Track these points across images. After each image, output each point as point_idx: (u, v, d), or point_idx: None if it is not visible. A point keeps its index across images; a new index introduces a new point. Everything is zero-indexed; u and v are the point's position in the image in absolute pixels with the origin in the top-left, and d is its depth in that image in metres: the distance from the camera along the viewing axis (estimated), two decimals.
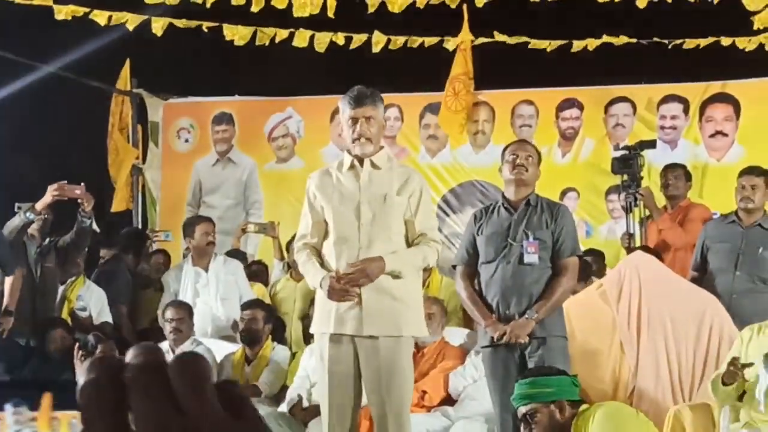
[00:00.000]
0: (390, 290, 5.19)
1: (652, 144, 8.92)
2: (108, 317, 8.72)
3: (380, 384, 5.14)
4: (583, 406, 5.01)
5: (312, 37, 10.02)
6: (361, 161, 5.36)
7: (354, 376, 5.22)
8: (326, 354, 5.25)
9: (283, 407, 7.28)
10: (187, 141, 11.90)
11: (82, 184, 8.10)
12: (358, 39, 10.09)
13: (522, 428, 5.04)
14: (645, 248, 7.91)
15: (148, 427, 0.82)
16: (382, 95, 5.56)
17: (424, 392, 7.07)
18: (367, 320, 5.15)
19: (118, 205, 11.53)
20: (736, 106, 10.36)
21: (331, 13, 9.29)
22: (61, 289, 8.75)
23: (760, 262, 7.13)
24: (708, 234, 7.49)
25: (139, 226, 11.54)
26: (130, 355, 0.85)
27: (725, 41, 9.85)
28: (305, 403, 7.18)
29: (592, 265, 8.35)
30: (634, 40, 10.07)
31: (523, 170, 5.99)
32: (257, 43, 9.91)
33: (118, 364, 0.85)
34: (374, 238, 5.20)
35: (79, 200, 8.10)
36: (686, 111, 10.48)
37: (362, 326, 5.16)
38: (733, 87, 10.38)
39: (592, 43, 10.13)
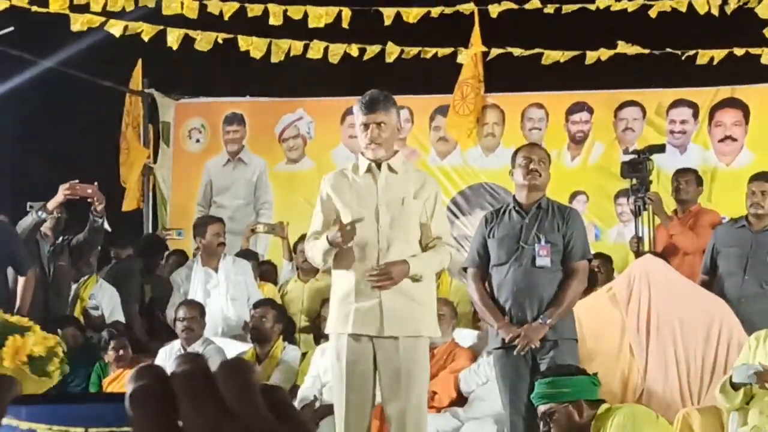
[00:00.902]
0: (408, 292, 5.24)
1: (661, 148, 8.95)
2: (120, 316, 8.76)
3: (400, 384, 5.19)
4: (603, 407, 5.01)
5: (326, 49, 10.08)
6: (378, 165, 5.40)
7: (372, 375, 5.27)
8: (344, 354, 5.28)
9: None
10: (198, 141, 11.95)
11: (95, 183, 8.16)
12: (372, 50, 10.14)
13: (541, 427, 5.05)
14: (654, 252, 7.95)
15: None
16: (394, 97, 5.57)
17: (434, 393, 7.10)
18: (388, 321, 5.20)
19: (129, 204, 11.56)
20: (746, 110, 10.39)
21: (345, 24, 9.37)
22: (74, 287, 8.79)
23: None
24: (718, 238, 7.52)
25: (150, 226, 11.61)
26: (174, 365, 0.88)
27: (738, 52, 9.86)
28: (317, 404, 7.22)
29: (600, 272, 8.38)
30: (647, 51, 10.09)
31: (537, 175, 6.02)
32: (272, 59, 9.98)
33: (164, 372, 0.87)
34: (393, 241, 5.25)
35: (90, 200, 8.15)
36: (696, 115, 10.51)
37: (383, 327, 5.20)
38: (743, 92, 10.41)
39: (605, 54, 10.15)
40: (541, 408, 5.04)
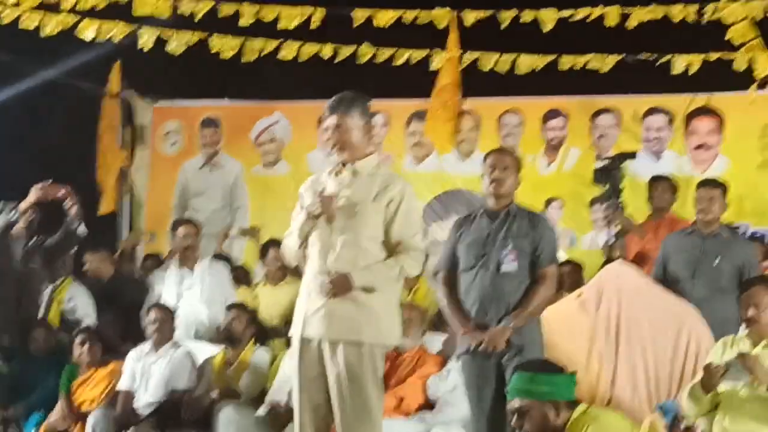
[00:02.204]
0: (356, 297, 5.18)
1: (632, 155, 8.97)
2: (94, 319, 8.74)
3: (342, 388, 5.15)
4: (579, 409, 4.89)
5: (299, 49, 10.05)
6: (345, 166, 5.39)
7: (323, 379, 5.23)
8: (296, 356, 5.30)
9: (262, 410, 7.31)
10: (174, 144, 11.93)
11: (68, 186, 8.13)
12: (345, 52, 10.12)
13: (513, 420, 4.93)
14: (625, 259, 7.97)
15: None
16: (367, 100, 5.54)
17: (402, 398, 7.10)
18: (329, 326, 5.17)
19: (105, 207, 11.59)
20: (721, 118, 10.40)
21: (315, 25, 9.36)
22: (48, 289, 8.76)
23: (717, 271, 7.25)
24: (667, 246, 7.61)
25: (126, 229, 11.59)
26: None
27: (712, 56, 9.87)
28: (283, 407, 7.20)
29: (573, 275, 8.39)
30: (623, 56, 10.08)
31: (500, 185, 6.02)
32: (243, 59, 9.96)
33: None
34: (342, 244, 5.20)
35: (65, 203, 8.12)
36: (671, 123, 10.52)
37: (324, 330, 5.18)
38: (718, 100, 10.40)
39: (579, 61, 10.15)
40: (516, 402, 4.91)
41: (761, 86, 9.40)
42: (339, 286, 5.15)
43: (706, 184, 7.61)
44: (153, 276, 8.95)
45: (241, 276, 9.53)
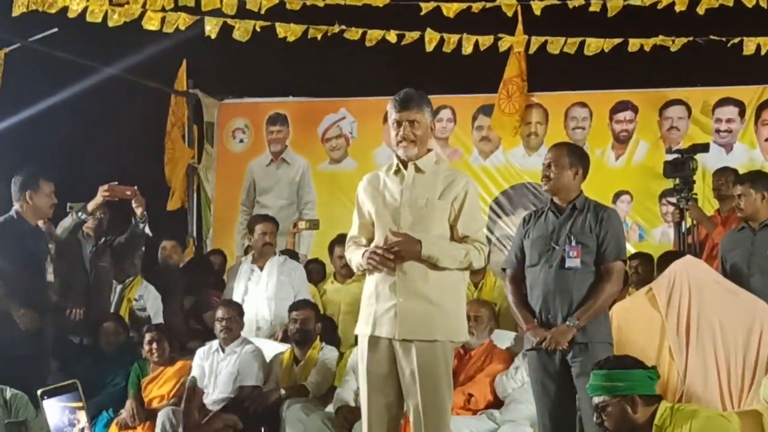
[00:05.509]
0: (426, 294, 5.17)
1: (705, 147, 8.85)
2: (162, 318, 8.80)
3: (415, 388, 5.13)
4: (664, 405, 4.79)
5: (364, 34, 10.03)
6: (405, 165, 5.36)
7: (393, 377, 5.22)
8: (365, 356, 5.27)
9: (331, 408, 7.30)
10: (241, 141, 12.02)
11: (135, 186, 8.20)
12: (411, 36, 10.06)
13: (594, 418, 4.96)
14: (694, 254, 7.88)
15: None
16: (436, 96, 5.55)
17: (471, 395, 7.06)
18: (402, 324, 5.15)
19: (173, 204, 11.69)
20: None
21: (381, 3, 9.34)
22: (119, 288, 8.84)
23: None
24: (723, 246, 7.55)
25: (194, 225, 11.70)
26: None
27: None
28: (351, 404, 7.19)
29: (637, 272, 8.31)
30: (691, 38, 9.94)
31: (550, 181, 5.98)
32: (309, 36, 9.94)
33: None
34: None
35: (133, 203, 8.19)
36: (742, 114, 10.39)
37: (396, 330, 5.16)
38: None
39: (648, 43, 10.02)
40: (595, 400, 4.94)
41: None
42: (406, 248, 5.13)
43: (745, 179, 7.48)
44: (229, 272, 9.03)
45: (316, 270, 9.54)
